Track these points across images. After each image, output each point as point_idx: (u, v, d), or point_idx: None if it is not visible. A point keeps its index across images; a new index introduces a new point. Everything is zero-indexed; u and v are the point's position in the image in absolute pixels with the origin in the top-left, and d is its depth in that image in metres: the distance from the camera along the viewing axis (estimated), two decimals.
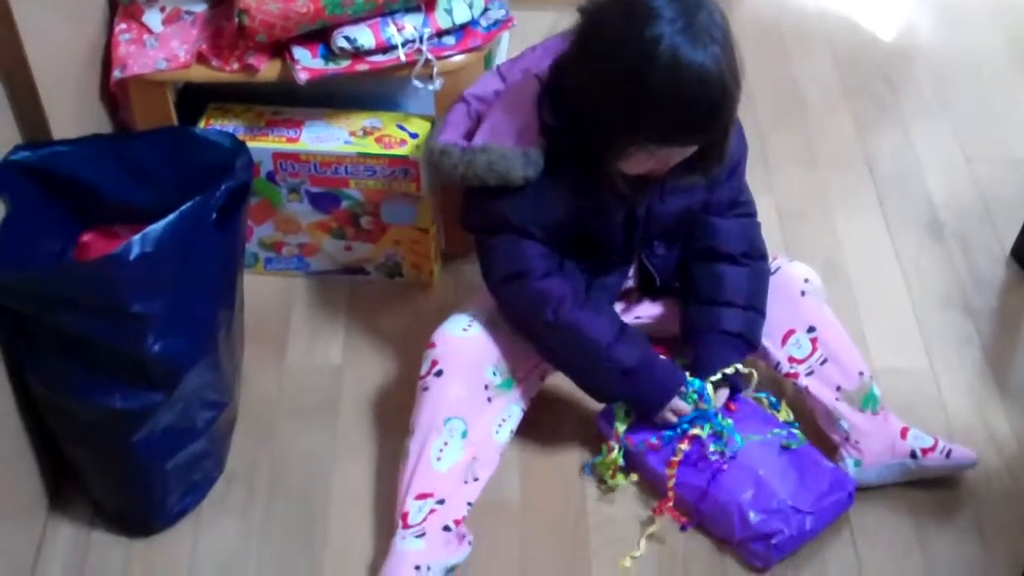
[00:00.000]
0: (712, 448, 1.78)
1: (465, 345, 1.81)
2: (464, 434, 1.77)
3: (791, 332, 1.87)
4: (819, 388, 1.86)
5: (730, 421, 1.81)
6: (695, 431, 1.79)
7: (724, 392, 1.84)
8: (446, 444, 1.76)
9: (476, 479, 1.78)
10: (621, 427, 1.83)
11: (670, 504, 1.78)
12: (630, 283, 1.93)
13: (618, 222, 1.78)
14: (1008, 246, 2.23)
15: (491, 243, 1.79)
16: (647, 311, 1.95)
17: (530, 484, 1.88)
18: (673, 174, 1.71)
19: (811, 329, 1.87)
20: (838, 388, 1.86)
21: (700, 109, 1.57)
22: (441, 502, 1.74)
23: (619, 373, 1.79)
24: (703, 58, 1.53)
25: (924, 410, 1.97)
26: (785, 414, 1.90)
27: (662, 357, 1.84)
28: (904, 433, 1.84)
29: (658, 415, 1.81)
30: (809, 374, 1.87)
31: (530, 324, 1.80)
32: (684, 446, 1.78)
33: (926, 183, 2.38)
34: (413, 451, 1.76)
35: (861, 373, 1.86)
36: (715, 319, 1.84)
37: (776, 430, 1.83)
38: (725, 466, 1.78)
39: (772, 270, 1.91)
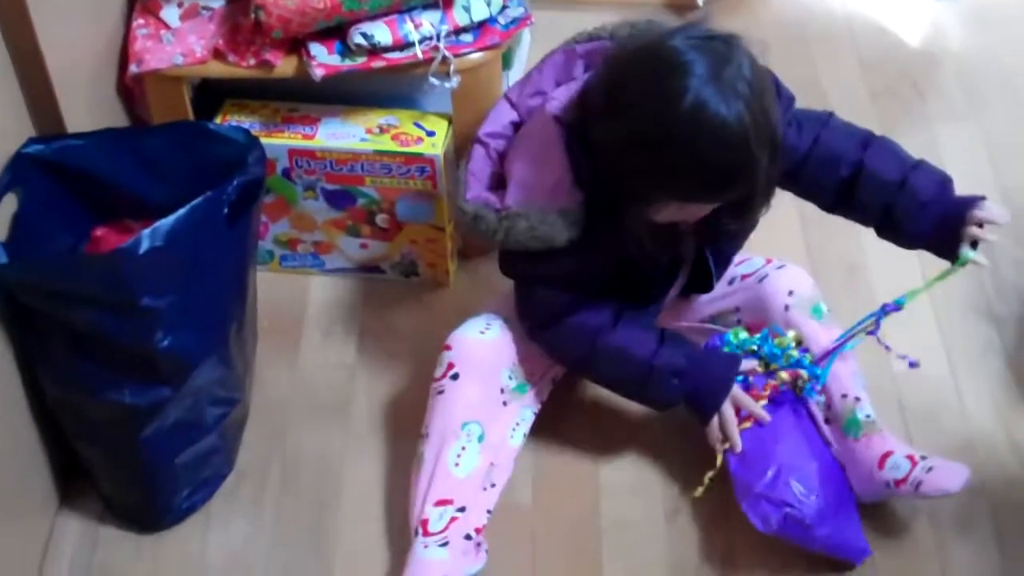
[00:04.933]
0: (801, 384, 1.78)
1: (482, 348, 1.79)
2: (481, 438, 1.75)
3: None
4: (811, 408, 1.83)
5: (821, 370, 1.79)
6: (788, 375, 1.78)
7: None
8: (464, 449, 1.74)
9: (494, 485, 1.76)
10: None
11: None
12: (673, 293, 1.89)
13: (663, 263, 1.76)
14: None
15: (531, 292, 1.77)
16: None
17: (542, 486, 1.86)
18: (706, 223, 1.68)
19: (798, 343, 1.82)
20: (828, 407, 1.82)
21: (722, 169, 1.53)
22: (462, 509, 1.72)
23: (671, 377, 1.74)
24: (725, 114, 1.48)
25: (944, 417, 1.94)
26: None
27: (711, 346, 1.81)
28: (883, 462, 1.76)
29: (724, 405, 1.74)
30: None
31: (575, 359, 1.79)
32: (777, 381, 1.78)
33: None
34: (429, 457, 1.74)
35: (845, 395, 1.81)
36: (905, 206, 1.74)
37: None
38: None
39: (759, 278, 1.88)
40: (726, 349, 1.80)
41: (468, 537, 1.71)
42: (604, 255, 1.69)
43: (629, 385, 1.80)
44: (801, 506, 1.71)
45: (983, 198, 1.73)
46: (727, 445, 1.75)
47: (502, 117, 1.76)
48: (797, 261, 1.99)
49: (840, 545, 1.73)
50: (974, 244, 1.71)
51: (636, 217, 1.63)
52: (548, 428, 1.89)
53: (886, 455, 1.76)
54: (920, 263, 2.19)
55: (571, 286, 1.73)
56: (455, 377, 1.76)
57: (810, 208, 2.09)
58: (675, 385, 1.75)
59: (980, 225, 1.70)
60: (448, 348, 1.79)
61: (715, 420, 1.75)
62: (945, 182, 1.76)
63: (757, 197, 1.62)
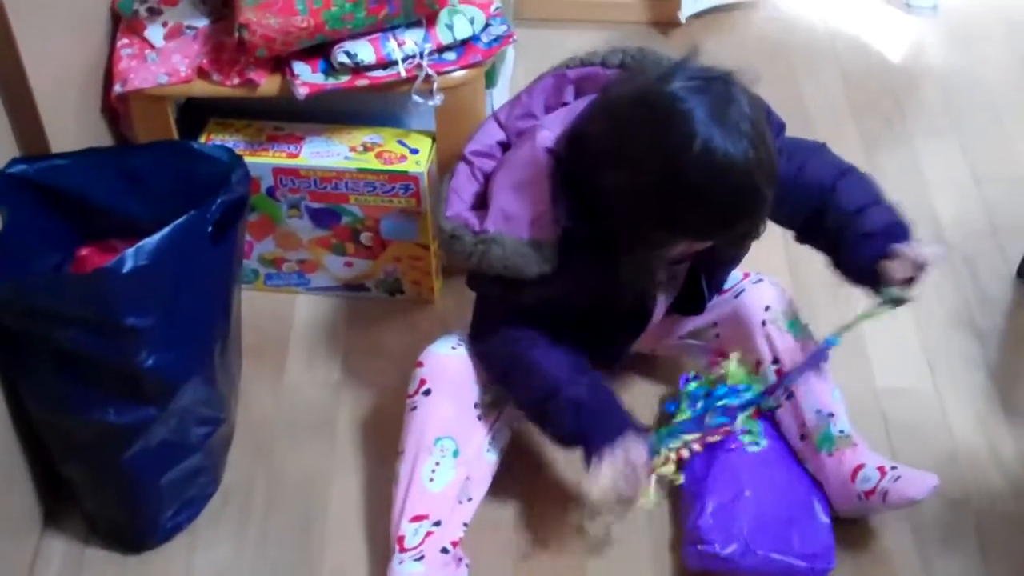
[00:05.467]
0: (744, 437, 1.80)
1: (453, 363, 1.79)
2: (456, 453, 1.74)
3: (758, 364, 1.85)
4: (787, 424, 1.84)
5: (759, 425, 1.81)
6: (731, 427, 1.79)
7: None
8: (438, 464, 1.74)
9: (470, 499, 1.76)
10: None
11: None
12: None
13: (631, 305, 1.76)
14: (1014, 267, 2.21)
15: (487, 313, 1.79)
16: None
17: (527, 504, 1.86)
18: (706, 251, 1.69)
19: (775, 361, 1.84)
20: (802, 424, 1.82)
21: (733, 208, 1.54)
22: (437, 524, 1.71)
23: (571, 408, 1.69)
24: (734, 154, 1.49)
25: (928, 430, 1.95)
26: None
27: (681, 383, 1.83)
28: (855, 475, 1.76)
29: (609, 453, 1.65)
30: (777, 407, 1.85)
31: (497, 371, 1.77)
32: (714, 438, 1.78)
33: (933, 203, 2.36)
34: (404, 473, 1.74)
35: (819, 411, 1.81)
36: (850, 233, 1.72)
37: None
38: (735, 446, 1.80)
39: (736, 293, 1.89)
40: (689, 388, 1.83)
41: (444, 551, 1.71)
42: (572, 287, 1.68)
43: (532, 407, 1.75)
44: (718, 541, 1.71)
45: (913, 237, 1.72)
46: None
47: (489, 137, 1.76)
48: (780, 276, 2.00)
49: (783, 567, 1.72)
50: (910, 281, 1.70)
51: (640, 257, 1.64)
52: (533, 445, 1.89)
53: (858, 468, 1.77)
54: None
55: (532, 318, 1.73)
56: (427, 393, 1.77)
57: None
58: (571, 419, 1.70)
59: (921, 266, 1.68)
60: (420, 365, 1.80)
61: (603, 467, 1.65)
62: (899, 223, 1.73)
63: (761, 227, 1.64)
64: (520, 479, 1.88)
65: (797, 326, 1.87)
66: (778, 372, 1.83)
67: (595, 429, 1.68)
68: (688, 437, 1.74)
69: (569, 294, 1.69)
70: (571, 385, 1.70)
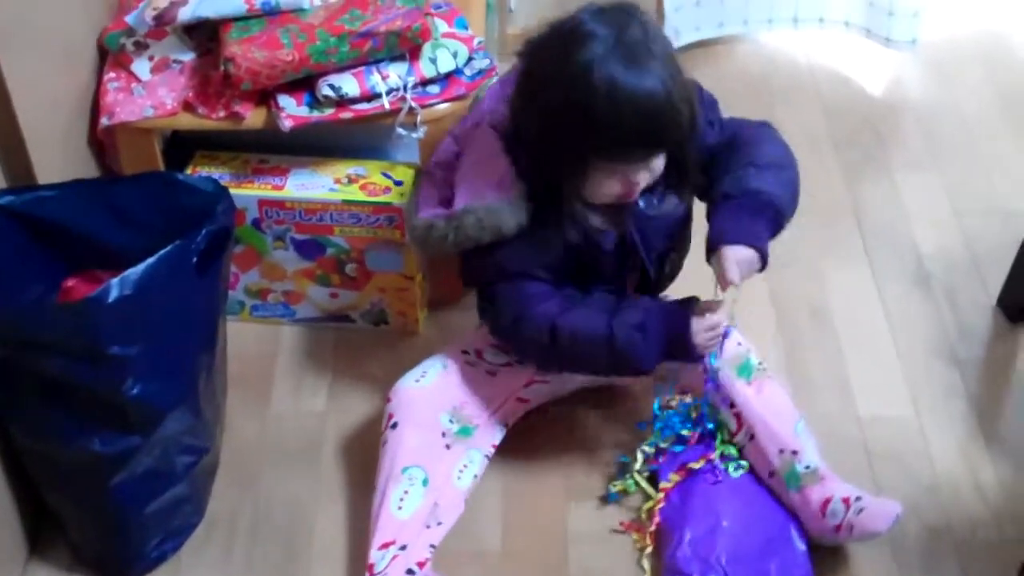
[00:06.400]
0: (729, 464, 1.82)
1: (417, 395, 1.83)
2: (425, 482, 1.77)
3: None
4: (756, 465, 1.85)
5: (735, 449, 1.83)
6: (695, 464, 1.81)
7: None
8: (406, 493, 1.76)
9: (440, 523, 1.78)
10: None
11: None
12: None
13: (610, 250, 1.78)
14: (994, 297, 2.23)
15: (493, 292, 1.80)
16: None
17: (511, 533, 1.86)
18: (644, 196, 1.74)
19: (732, 404, 1.85)
20: (769, 464, 1.83)
21: (644, 122, 1.61)
22: (403, 548, 1.73)
23: (633, 333, 1.73)
24: (639, 73, 1.58)
25: (910, 459, 1.96)
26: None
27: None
28: (824, 509, 1.76)
29: (694, 344, 1.73)
30: (743, 448, 1.87)
31: (539, 350, 1.80)
32: (676, 477, 1.81)
33: (913, 234, 2.38)
34: (375, 503, 1.77)
35: (782, 451, 1.82)
36: (739, 184, 1.74)
37: None
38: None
39: None
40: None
41: (410, 572, 1.72)
42: (551, 243, 1.74)
43: (599, 359, 1.77)
44: (698, 572, 1.72)
45: (726, 249, 1.71)
46: (730, 323, 1.77)
47: (448, 151, 1.85)
48: (761, 305, 2.02)
49: None
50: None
51: (576, 196, 1.70)
52: (516, 475, 1.91)
53: (826, 502, 1.76)
54: (881, 303, 2.24)
55: (529, 277, 1.76)
56: (395, 426, 1.81)
57: (773, 254, 2.12)
58: (640, 339, 1.73)
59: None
60: (388, 400, 1.85)
61: (697, 345, 1.73)
62: (763, 206, 1.73)
63: (685, 155, 1.71)
64: (507, 512, 1.89)
65: (756, 371, 1.88)
66: (736, 416, 1.85)
67: (664, 335, 1.73)
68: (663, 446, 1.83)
69: (549, 252, 1.74)
70: (615, 324, 1.73)
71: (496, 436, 1.89)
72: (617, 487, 1.87)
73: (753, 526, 1.78)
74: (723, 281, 1.70)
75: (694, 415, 1.87)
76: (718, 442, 1.85)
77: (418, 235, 1.76)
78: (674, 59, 1.65)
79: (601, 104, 1.59)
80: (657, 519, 1.81)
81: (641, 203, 1.77)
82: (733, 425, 1.86)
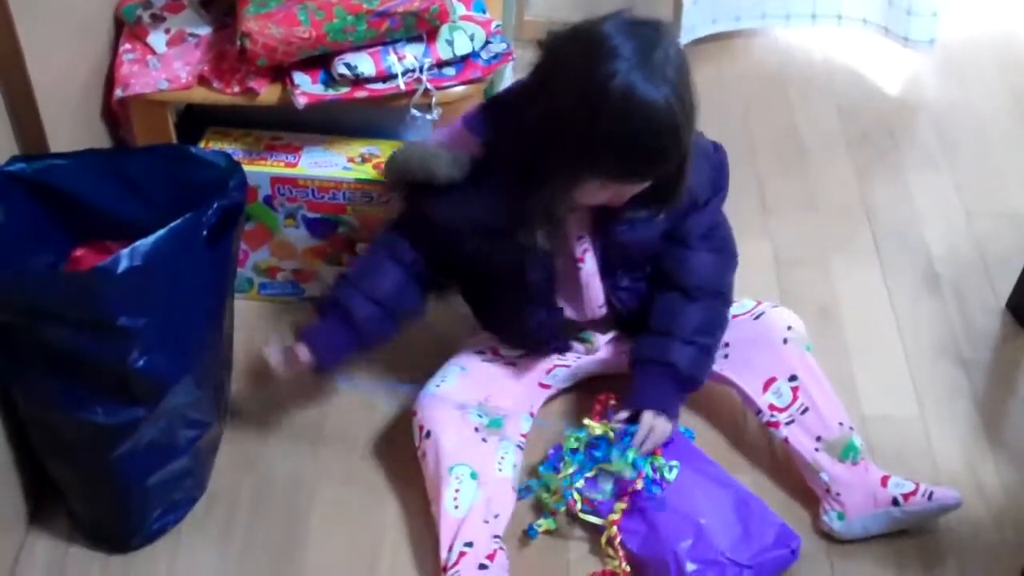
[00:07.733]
0: (652, 490, 1.78)
1: (442, 400, 1.86)
2: (473, 475, 1.78)
3: (772, 380, 1.88)
4: (799, 438, 1.85)
5: (661, 458, 1.81)
6: (633, 488, 1.78)
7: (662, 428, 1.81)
8: (458, 491, 1.76)
9: (496, 516, 1.78)
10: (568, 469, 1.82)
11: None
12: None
13: (537, 254, 1.77)
14: (1003, 299, 2.22)
15: (396, 223, 1.88)
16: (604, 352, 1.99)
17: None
18: (630, 207, 1.75)
19: (793, 378, 1.87)
20: (818, 438, 1.84)
21: (649, 147, 1.61)
22: (469, 544, 1.73)
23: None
24: (655, 97, 1.57)
25: (913, 459, 1.96)
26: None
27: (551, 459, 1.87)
28: (885, 481, 1.81)
29: None
30: (789, 423, 1.86)
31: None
32: (622, 505, 1.78)
33: (924, 235, 2.38)
34: (435, 512, 1.78)
35: (841, 423, 1.85)
36: (662, 349, 1.83)
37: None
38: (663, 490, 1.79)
39: (755, 315, 1.93)
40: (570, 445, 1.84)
41: (483, 567, 1.72)
42: (479, 212, 1.75)
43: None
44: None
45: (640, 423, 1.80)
46: None
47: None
48: (771, 302, 2.01)
49: (771, 561, 1.74)
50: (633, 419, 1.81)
51: (558, 196, 1.69)
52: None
53: (887, 477, 1.81)
54: (890, 303, 2.23)
55: (423, 240, 1.83)
56: (428, 435, 1.82)
57: (784, 252, 2.13)
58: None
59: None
60: (414, 414, 1.87)
61: None
62: (685, 381, 1.83)
63: (680, 179, 1.71)
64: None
65: (811, 349, 1.92)
66: (794, 389, 1.87)
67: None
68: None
69: (474, 218, 1.75)
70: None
71: (523, 426, 1.90)
72: (542, 527, 1.83)
73: (719, 507, 1.78)
74: (637, 438, 1.79)
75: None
76: (631, 454, 1.79)
77: (391, 156, 1.82)
78: (689, 86, 1.63)
79: (611, 122, 1.58)
80: (625, 553, 1.76)
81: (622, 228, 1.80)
82: (789, 397, 1.87)
